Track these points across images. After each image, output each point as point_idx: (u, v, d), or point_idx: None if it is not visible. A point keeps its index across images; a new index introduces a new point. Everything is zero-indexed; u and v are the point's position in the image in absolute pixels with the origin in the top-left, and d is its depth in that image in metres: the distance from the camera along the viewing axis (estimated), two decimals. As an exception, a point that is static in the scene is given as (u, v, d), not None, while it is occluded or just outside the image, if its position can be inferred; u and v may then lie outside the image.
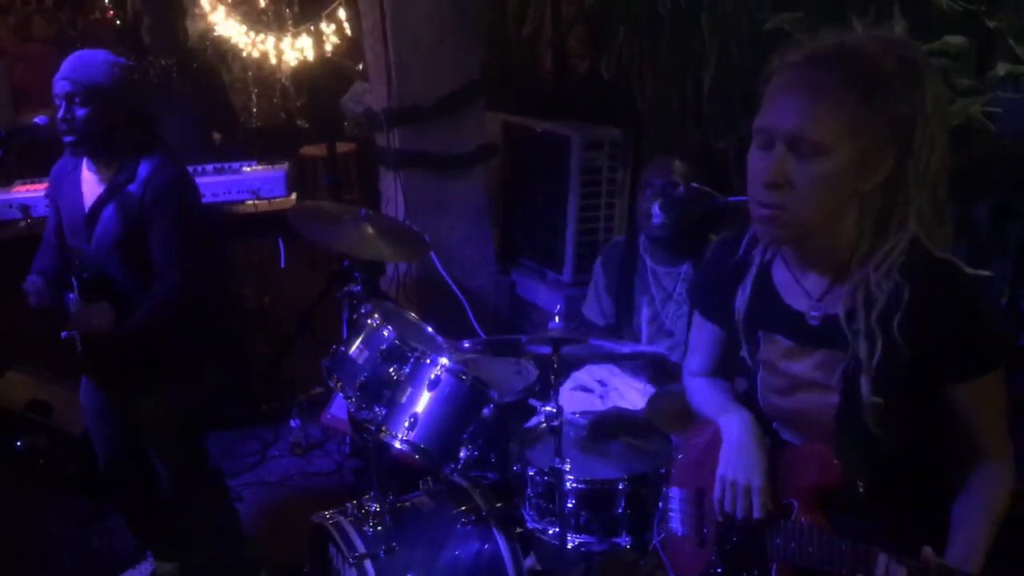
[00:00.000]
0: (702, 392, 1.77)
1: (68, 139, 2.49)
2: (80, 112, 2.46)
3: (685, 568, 1.69)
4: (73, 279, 2.54)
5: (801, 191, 1.32)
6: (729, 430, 1.58)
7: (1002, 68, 2.56)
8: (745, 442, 1.54)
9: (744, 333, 1.56)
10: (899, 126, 1.30)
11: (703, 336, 1.76)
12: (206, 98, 5.12)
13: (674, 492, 1.72)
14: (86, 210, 2.58)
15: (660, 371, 2.72)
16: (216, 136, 5.28)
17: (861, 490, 1.44)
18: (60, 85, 2.47)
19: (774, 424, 1.62)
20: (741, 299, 1.54)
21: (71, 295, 2.52)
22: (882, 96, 1.29)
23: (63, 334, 2.57)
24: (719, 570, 1.60)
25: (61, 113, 2.47)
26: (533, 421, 2.55)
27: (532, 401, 2.45)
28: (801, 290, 1.47)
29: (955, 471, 1.48)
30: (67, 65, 2.50)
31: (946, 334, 1.36)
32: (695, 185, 2.29)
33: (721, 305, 1.62)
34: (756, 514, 1.50)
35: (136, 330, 2.51)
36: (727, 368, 1.78)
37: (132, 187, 2.53)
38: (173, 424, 2.72)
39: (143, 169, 2.55)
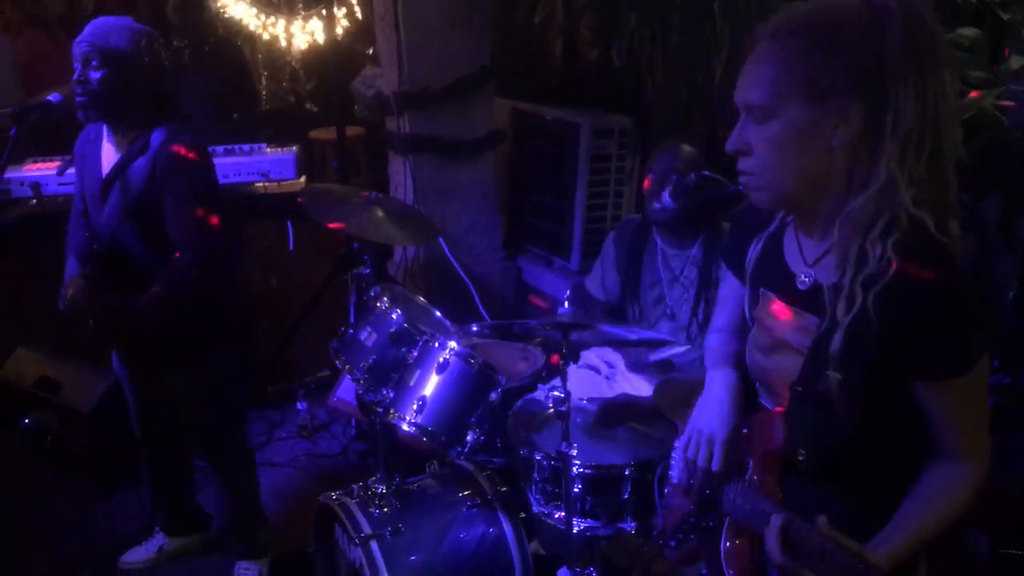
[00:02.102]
0: (712, 344, 1.80)
1: (80, 100, 2.43)
2: (95, 75, 2.41)
3: (670, 515, 1.75)
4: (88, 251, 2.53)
5: (760, 156, 1.36)
6: (711, 383, 1.64)
7: (1016, 61, 2.55)
8: (720, 397, 1.60)
9: (750, 287, 1.59)
10: (863, 77, 1.27)
11: (729, 292, 1.79)
12: (229, 78, 5.10)
13: (679, 442, 1.75)
14: (101, 180, 2.55)
15: (664, 371, 2.72)
16: (235, 116, 5.27)
17: (802, 458, 1.45)
18: (79, 47, 2.42)
19: (756, 385, 1.65)
20: (752, 254, 1.58)
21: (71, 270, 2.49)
22: (829, 53, 1.27)
23: (61, 305, 2.51)
24: (692, 520, 1.66)
25: (76, 75, 2.42)
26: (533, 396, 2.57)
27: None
28: (799, 253, 1.48)
29: (913, 464, 1.41)
30: (88, 29, 2.46)
31: (919, 328, 1.29)
32: (706, 173, 2.29)
33: (742, 261, 1.65)
34: (715, 466, 1.57)
35: (148, 307, 2.43)
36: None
37: (144, 157, 2.48)
38: (196, 401, 2.70)
39: (156, 138, 2.49)
